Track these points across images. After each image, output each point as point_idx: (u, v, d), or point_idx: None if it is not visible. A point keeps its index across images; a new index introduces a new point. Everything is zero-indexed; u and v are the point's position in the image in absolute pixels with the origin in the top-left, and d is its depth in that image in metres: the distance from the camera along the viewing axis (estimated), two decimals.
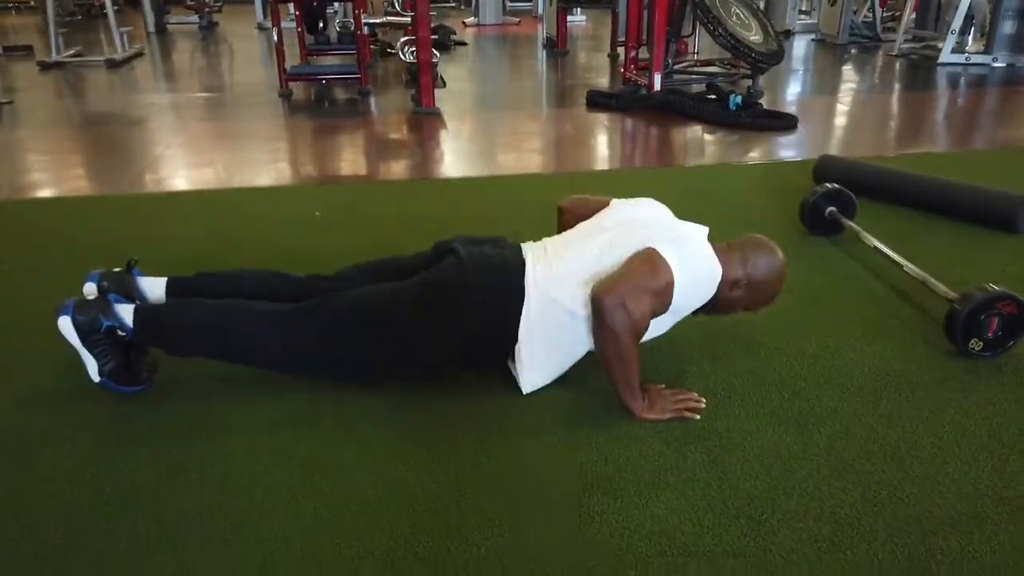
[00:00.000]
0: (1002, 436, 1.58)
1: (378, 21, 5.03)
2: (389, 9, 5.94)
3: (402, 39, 4.96)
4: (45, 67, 6.09)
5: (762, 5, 6.69)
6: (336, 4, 6.37)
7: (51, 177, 3.45)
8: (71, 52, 6.54)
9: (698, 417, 1.63)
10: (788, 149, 3.79)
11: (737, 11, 4.88)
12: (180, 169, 3.61)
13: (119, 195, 3.17)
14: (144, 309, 1.67)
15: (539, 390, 1.72)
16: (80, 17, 8.88)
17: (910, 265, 2.16)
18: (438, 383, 1.78)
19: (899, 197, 2.86)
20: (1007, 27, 5.81)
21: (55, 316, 1.62)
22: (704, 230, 1.72)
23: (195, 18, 8.78)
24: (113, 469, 1.50)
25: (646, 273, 1.55)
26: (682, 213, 1.82)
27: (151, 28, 8.26)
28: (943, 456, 1.52)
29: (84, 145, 3.98)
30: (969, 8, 5.80)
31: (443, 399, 1.73)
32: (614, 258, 1.60)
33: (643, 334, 1.57)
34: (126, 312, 1.65)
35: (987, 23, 5.99)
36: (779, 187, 3.08)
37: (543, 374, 1.70)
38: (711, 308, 1.72)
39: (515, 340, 1.64)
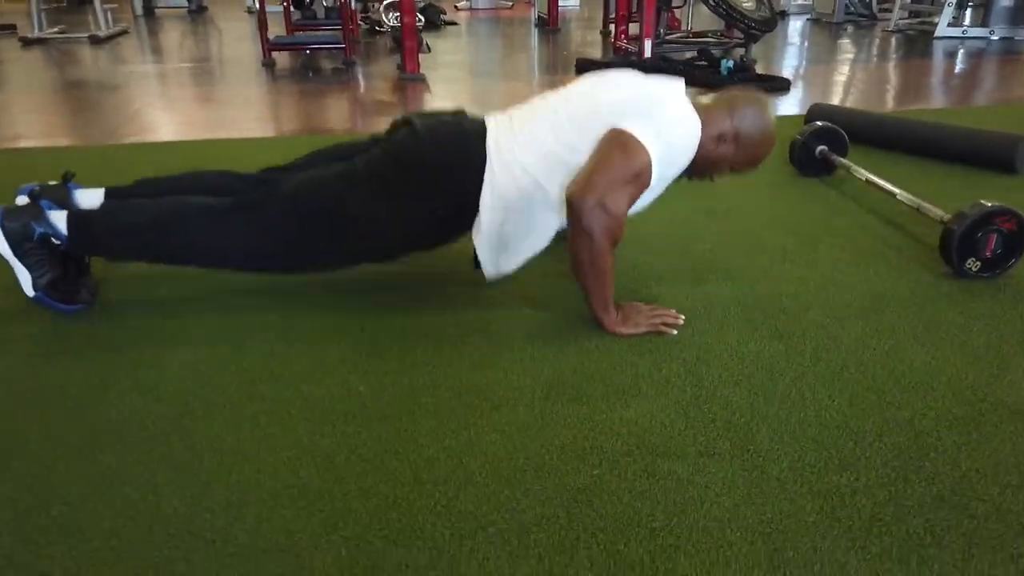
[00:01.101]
0: (1001, 347, 1.47)
1: None
2: None
3: (385, 2, 4.85)
4: (27, 43, 5.99)
5: None
6: None
7: (23, 132, 3.34)
8: (55, 29, 6.44)
9: (675, 332, 1.52)
10: (782, 107, 3.69)
11: None
12: (156, 125, 3.50)
13: (91, 146, 3.06)
14: (78, 213, 1.55)
15: (507, 309, 1.61)
16: (66, 3, 8.78)
17: (903, 192, 2.05)
18: (397, 298, 1.67)
19: (893, 142, 2.75)
20: (1004, 0, 5.72)
21: None
22: (678, 83, 1.56)
23: (184, 2, 8.69)
24: (40, 379, 1.39)
25: (619, 159, 1.42)
26: None
27: (139, 12, 8.17)
28: (938, 365, 1.41)
29: (60, 105, 3.87)
30: None
31: (403, 315, 1.62)
32: (579, 128, 1.48)
33: (621, 236, 1.45)
34: (59, 218, 1.53)
35: None
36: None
37: (507, 255, 1.57)
38: (694, 169, 1.58)
39: (475, 210, 1.51)
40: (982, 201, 1.74)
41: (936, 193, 2.04)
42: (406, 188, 1.51)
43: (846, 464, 1.14)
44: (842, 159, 2.40)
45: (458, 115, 1.62)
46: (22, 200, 1.59)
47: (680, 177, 1.58)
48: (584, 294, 1.50)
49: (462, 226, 1.55)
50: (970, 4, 6.18)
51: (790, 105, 3.71)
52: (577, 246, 1.43)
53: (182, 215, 1.55)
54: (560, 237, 1.56)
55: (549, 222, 1.53)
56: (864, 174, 2.23)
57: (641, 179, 1.44)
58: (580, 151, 1.46)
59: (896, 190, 2.07)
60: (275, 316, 1.60)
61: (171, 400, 1.32)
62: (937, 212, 1.88)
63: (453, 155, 1.52)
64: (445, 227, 1.58)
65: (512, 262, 1.59)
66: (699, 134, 1.50)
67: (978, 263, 1.74)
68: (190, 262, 1.62)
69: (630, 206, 1.45)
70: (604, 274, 1.45)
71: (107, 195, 1.64)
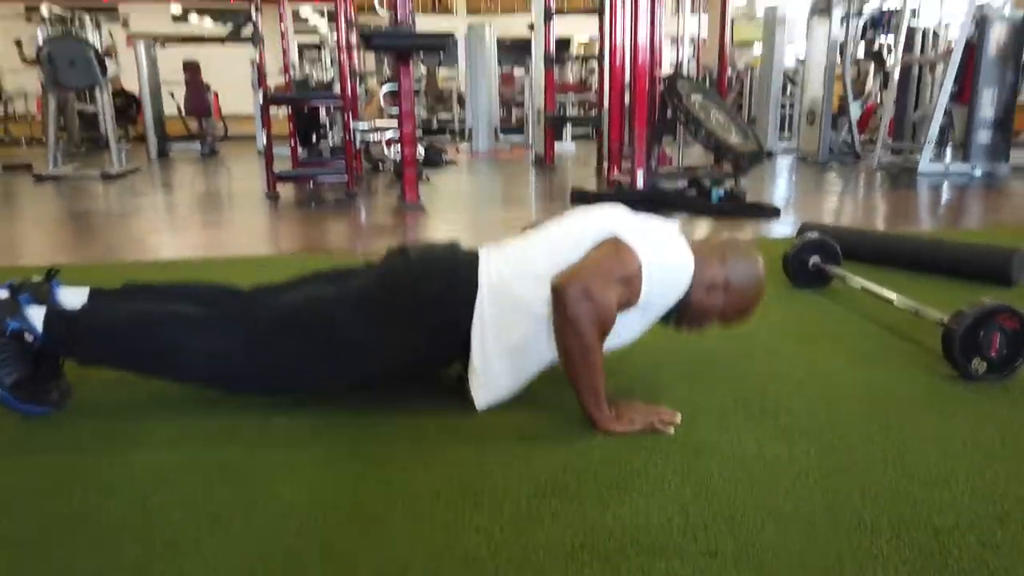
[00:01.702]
0: (1018, 445, 1.39)
1: (366, 127, 5.15)
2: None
3: (387, 137, 5.06)
4: (40, 179, 6.19)
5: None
6: (330, 115, 6.61)
7: (23, 252, 3.37)
8: (69, 167, 6.69)
9: (671, 431, 1.44)
10: (772, 230, 3.74)
11: (716, 115, 5.01)
12: (157, 247, 3.54)
13: (89, 264, 3.08)
14: (56, 311, 1.50)
15: (495, 408, 1.53)
16: (84, 149, 9.17)
17: (900, 298, 2.02)
18: (378, 400, 1.59)
19: (885, 257, 2.76)
20: (982, 137, 5.95)
21: None
22: (674, 223, 1.58)
23: (197, 145, 9.09)
24: None
25: (610, 259, 1.40)
26: None
27: (153, 155, 8.53)
28: (952, 463, 1.32)
29: (63, 230, 3.93)
30: (943, 120, 5.98)
31: (383, 413, 1.54)
32: (575, 251, 1.45)
33: (610, 327, 1.39)
34: (36, 315, 1.49)
35: (962, 134, 6.15)
36: (763, 256, 2.99)
37: (498, 385, 1.51)
38: (683, 315, 1.54)
39: (466, 340, 1.46)
40: (981, 299, 1.71)
41: (933, 302, 2.01)
42: (396, 315, 1.48)
43: (862, 563, 1.04)
44: (836, 268, 2.40)
45: (452, 245, 1.62)
46: (2, 294, 1.56)
47: (668, 321, 1.56)
48: (575, 389, 1.43)
49: (450, 357, 1.52)
50: (949, 143, 6.46)
51: (780, 228, 3.77)
52: (564, 337, 1.38)
53: (162, 321, 1.50)
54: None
55: (542, 353, 1.48)
56: (859, 282, 2.21)
57: (631, 285, 1.40)
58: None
59: (892, 295, 2.04)
60: (250, 418, 1.52)
61: (129, 499, 1.22)
62: (935, 314, 1.84)
63: (444, 284, 1.49)
64: (433, 356, 1.54)
65: (501, 390, 1.52)
66: (692, 268, 1.48)
67: (984, 363, 1.68)
68: (164, 372, 1.55)
69: (619, 304, 1.39)
70: (594, 366, 1.39)
71: (91, 296, 1.60)
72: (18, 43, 10.58)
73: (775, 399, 1.59)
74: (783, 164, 7.08)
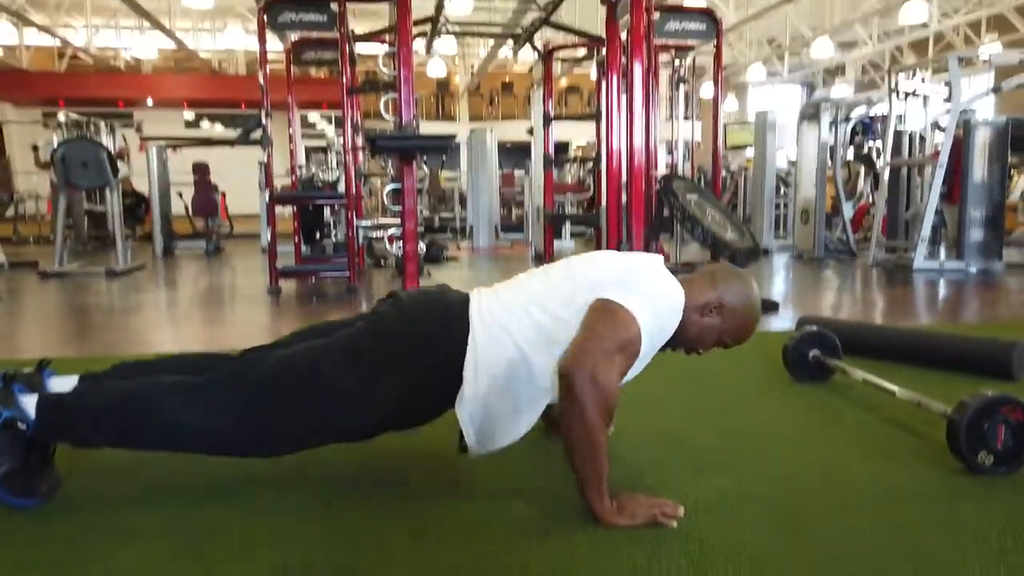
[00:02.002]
0: None
1: (368, 224, 5.26)
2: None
3: (389, 232, 5.15)
4: (45, 276, 6.26)
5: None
6: (334, 214, 6.75)
7: (20, 346, 3.37)
8: (74, 265, 6.77)
9: (675, 524, 1.40)
10: (772, 324, 3.75)
11: (711, 213, 5.12)
12: (157, 341, 3.54)
13: (86, 357, 3.07)
14: (48, 396, 1.50)
15: (488, 495, 1.50)
16: (91, 247, 9.32)
17: (902, 390, 2.01)
18: (371, 485, 1.57)
19: (884, 350, 2.75)
20: (974, 235, 6.06)
21: None
22: (657, 257, 1.59)
23: (202, 243, 9.24)
24: None
25: (608, 330, 1.40)
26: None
27: (159, 252, 8.66)
28: (964, 559, 1.28)
29: (63, 324, 3.95)
30: (934, 219, 6.11)
31: (377, 505, 1.50)
32: (571, 309, 1.46)
33: (614, 410, 1.39)
34: (29, 403, 1.47)
35: (954, 233, 6.27)
36: (763, 349, 2.98)
37: (492, 428, 1.48)
38: (681, 339, 1.55)
39: (459, 382, 1.44)
40: (983, 391, 1.70)
41: (935, 395, 1.99)
42: (388, 359, 1.47)
43: None
44: (836, 361, 2.39)
45: (441, 287, 1.64)
46: None
47: (666, 348, 1.56)
48: (577, 478, 1.40)
49: (444, 402, 1.49)
50: (942, 241, 6.57)
51: (780, 323, 3.78)
52: (569, 421, 1.36)
53: (152, 394, 1.49)
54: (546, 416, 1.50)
55: (536, 397, 1.48)
56: (860, 374, 2.20)
57: (631, 348, 1.42)
58: (564, 322, 1.46)
59: (895, 388, 2.03)
60: (236, 511, 1.49)
61: None
62: (939, 406, 1.83)
63: (435, 324, 1.50)
64: (426, 401, 1.51)
65: (498, 439, 1.50)
66: (682, 300, 1.51)
67: (991, 456, 1.65)
68: (159, 445, 1.53)
69: (622, 377, 1.41)
70: (598, 452, 1.37)
71: (81, 379, 1.59)
72: (35, 148, 10.94)
73: (780, 492, 1.56)
74: (779, 261, 7.17)
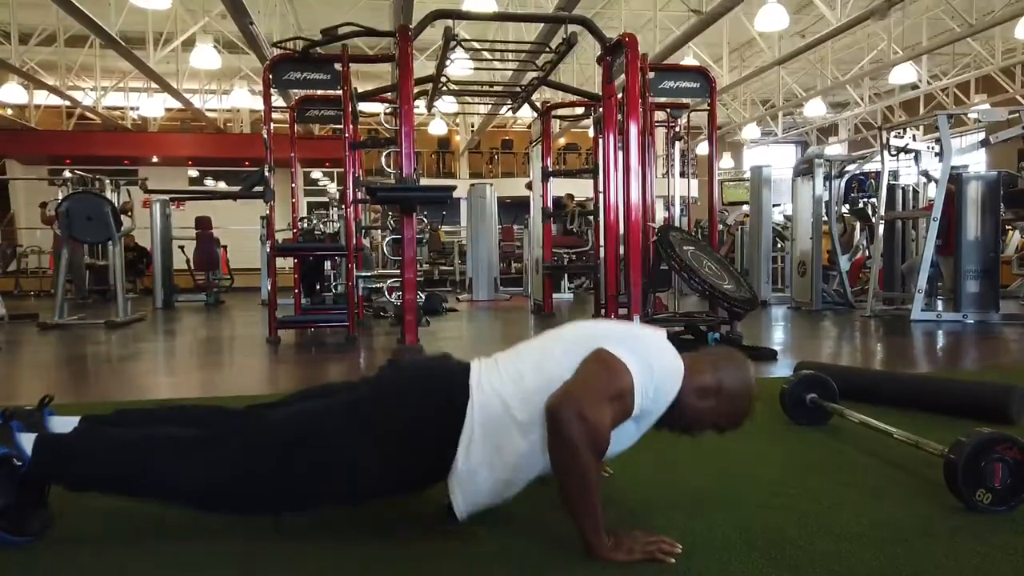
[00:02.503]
0: None
1: (368, 275, 5.30)
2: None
3: (388, 283, 5.18)
4: (45, 328, 6.27)
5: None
6: (335, 268, 6.79)
7: (16, 392, 3.36)
8: (74, 317, 6.79)
9: (672, 560, 1.39)
10: (770, 371, 3.75)
11: (708, 264, 5.16)
12: (153, 388, 3.54)
13: (83, 403, 3.06)
14: (47, 436, 1.50)
15: (482, 535, 1.49)
16: (91, 301, 9.36)
17: (900, 431, 2.00)
18: (364, 518, 1.55)
19: (882, 395, 2.75)
20: (971, 286, 6.10)
21: None
22: (661, 332, 1.60)
23: (202, 296, 9.29)
24: None
25: (601, 376, 1.41)
26: None
27: (159, 304, 8.70)
28: None
29: (60, 373, 3.94)
30: (930, 271, 6.15)
31: (371, 532, 1.50)
32: (564, 363, 1.47)
33: (605, 448, 1.39)
34: (27, 441, 1.47)
35: (950, 284, 6.31)
36: (761, 393, 2.98)
37: (479, 493, 1.47)
38: (676, 419, 1.54)
39: (454, 453, 1.44)
40: (978, 428, 1.70)
41: (933, 438, 1.99)
42: (388, 426, 1.48)
43: None
44: (833, 404, 2.39)
45: (444, 356, 1.65)
46: None
47: (660, 426, 1.56)
48: (571, 515, 1.39)
49: (439, 470, 1.48)
50: (940, 296, 6.60)
51: (778, 370, 3.78)
52: (560, 459, 1.36)
53: (150, 445, 1.49)
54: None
55: (528, 467, 1.47)
56: (858, 416, 2.20)
57: (623, 401, 1.41)
58: (560, 382, 1.45)
59: (892, 429, 2.03)
60: (228, 555, 1.47)
61: None
62: (936, 446, 1.82)
63: (435, 391, 1.51)
64: (422, 469, 1.51)
65: (485, 504, 1.49)
66: (682, 373, 1.51)
67: (989, 495, 1.64)
68: (152, 495, 1.52)
69: (611, 424, 1.40)
70: (590, 488, 1.36)
71: (81, 421, 1.60)
72: (43, 205, 11.08)
73: (778, 530, 1.55)
74: (777, 312, 7.19)
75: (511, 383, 1.49)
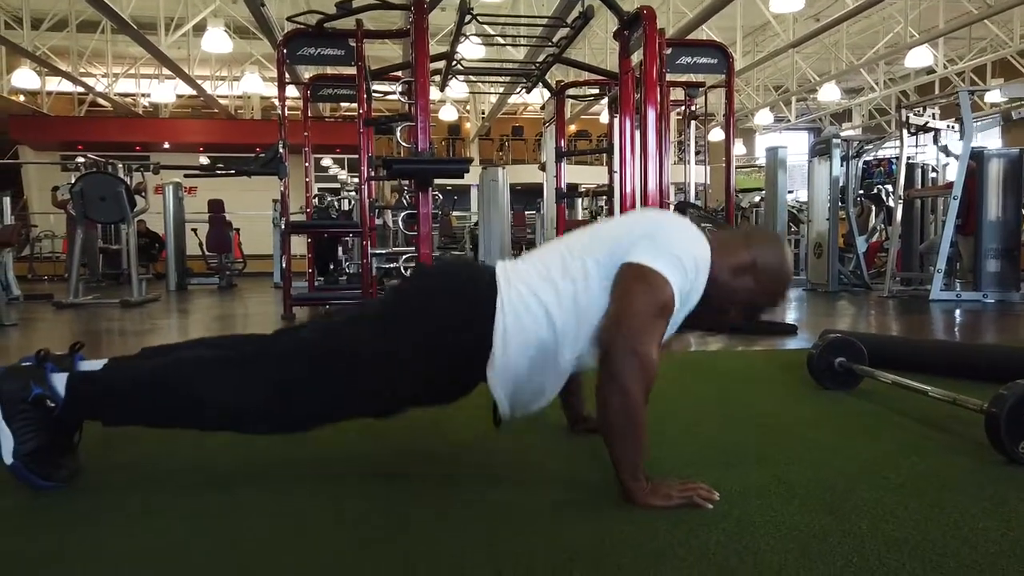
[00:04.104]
0: None
1: (383, 251, 5.28)
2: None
3: (403, 260, 5.16)
4: (60, 307, 6.28)
5: None
6: (348, 252, 6.77)
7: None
8: (89, 297, 6.81)
9: (711, 506, 1.36)
10: (791, 345, 3.71)
11: None
12: None
13: None
14: (78, 374, 1.48)
15: (517, 480, 1.47)
16: (105, 284, 9.38)
17: (935, 389, 1.96)
18: (398, 470, 1.55)
19: (914, 362, 2.69)
20: (991, 266, 6.03)
21: None
22: (676, 215, 1.57)
23: (215, 279, 9.29)
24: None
25: (643, 296, 1.37)
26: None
27: (172, 287, 8.71)
28: (1017, 536, 1.23)
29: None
30: (950, 251, 6.08)
31: (403, 487, 1.48)
32: (587, 260, 1.46)
33: (653, 383, 1.36)
34: (60, 381, 1.46)
35: (970, 264, 6.24)
36: (786, 361, 2.94)
37: (521, 385, 1.45)
38: (708, 304, 1.49)
39: (489, 347, 1.41)
40: (1020, 381, 1.66)
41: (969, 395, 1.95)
42: (418, 323, 1.45)
43: None
44: (863, 367, 2.35)
45: (467, 257, 1.63)
46: (28, 362, 1.52)
47: (690, 322, 1.52)
48: (613, 456, 1.37)
49: (473, 372, 1.45)
50: (958, 279, 6.51)
51: (799, 344, 3.73)
52: (609, 395, 1.33)
53: (181, 368, 1.48)
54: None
55: (561, 360, 1.45)
56: (890, 377, 2.16)
57: (667, 310, 1.39)
58: (590, 278, 1.44)
59: (927, 387, 1.99)
60: (260, 494, 1.46)
61: (135, 566, 1.15)
62: (975, 402, 1.78)
63: (463, 283, 1.50)
64: (456, 368, 1.47)
65: (529, 402, 1.48)
66: (709, 257, 1.48)
67: None
68: (185, 420, 1.50)
69: (660, 342, 1.38)
70: (637, 429, 1.34)
71: (110, 360, 1.58)
72: (55, 188, 11.12)
73: (816, 481, 1.51)
74: (793, 294, 7.13)
75: (539, 276, 1.47)
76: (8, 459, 1.41)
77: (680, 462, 1.65)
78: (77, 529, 1.29)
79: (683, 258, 1.43)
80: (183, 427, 1.52)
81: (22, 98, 15.28)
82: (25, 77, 13.18)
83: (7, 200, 9.28)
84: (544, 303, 1.44)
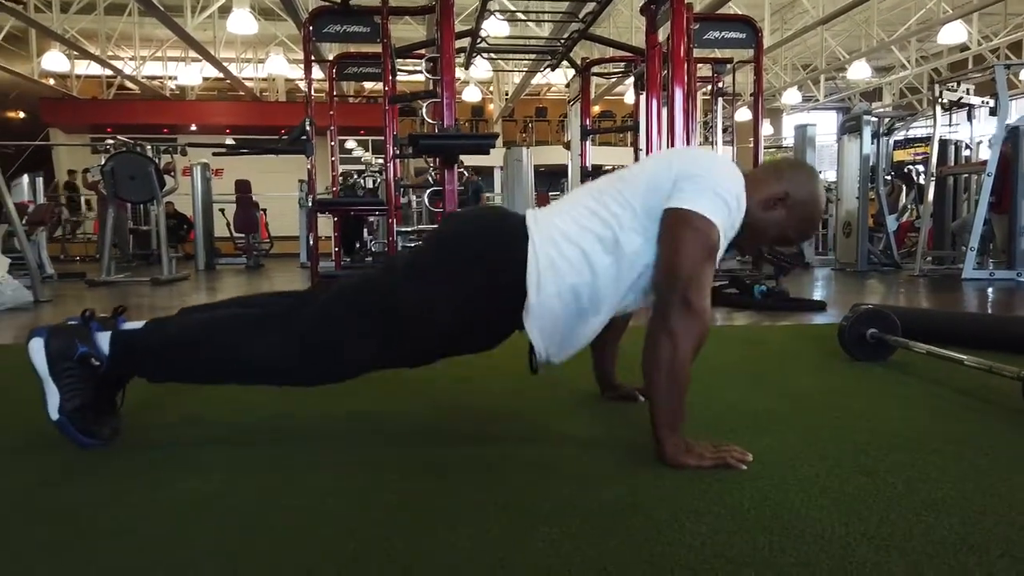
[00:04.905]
0: None
1: (409, 229, 5.30)
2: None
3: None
4: (93, 284, 6.40)
5: None
6: (373, 232, 6.81)
7: None
8: (121, 276, 6.92)
9: (744, 467, 1.36)
10: (819, 319, 3.68)
11: None
12: None
13: None
14: (122, 331, 1.51)
15: (549, 440, 1.49)
16: (135, 264, 9.52)
17: (971, 357, 1.94)
18: (435, 427, 1.57)
19: (949, 335, 2.65)
20: None
21: (27, 339, 1.47)
22: (709, 150, 1.57)
23: (243, 259, 9.40)
24: (48, 501, 1.26)
25: (691, 243, 1.36)
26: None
27: (200, 266, 8.83)
28: None
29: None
30: (983, 229, 5.97)
31: (440, 444, 1.51)
32: (618, 195, 1.46)
33: (705, 339, 1.37)
34: (104, 340, 1.49)
35: (1003, 242, 6.13)
36: (815, 335, 2.92)
37: (557, 327, 1.45)
38: (744, 237, 1.50)
39: (524, 293, 1.42)
40: None
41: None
42: (451, 268, 1.46)
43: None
44: (896, 338, 2.32)
45: (497, 205, 1.65)
46: (73, 321, 1.55)
47: (729, 250, 1.53)
48: (653, 409, 1.37)
49: (507, 318, 1.45)
50: (991, 258, 6.39)
51: (827, 318, 3.70)
52: (658, 347, 1.34)
53: (221, 322, 1.51)
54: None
55: (600, 299, 1.45)
56: (924, 347, 2.14)
57: (714, 252, 1.39)
58: (626, 220, 1.43)
59: (963, 356, 1.97)
60: (296, 448, 1.49)
61: (179, 512, 1.18)
62: (1011, 369, 1.77)
63: (495, 233, 1.50)
64: (490, 313, 1.47)
65: (566, 346, 1.48)
66: (742, 183, 1.47)
67: None
68: (225, 374, 1.53)
69: (710, 285, 1.38)
70: (680, 384, 1.34)
71: (150, 320, 1.61)
72: (85, 170, 11.28)
73: (849, 444, 1.50)
74: (820, 273, 7.05)
75: (570, 219, 1.47)
76: (54, 415, 1.45)
77: (710, 427, 1.64)
78: (122, 482, 1.32)
79: (725, 196, 1.41)
80: (222, 382, 1.56)
81: (52, 81, 15.47)
82: (55, 60, 13.36)
83: (39, 181, 9.44)
84: (581, 247, 1.44)
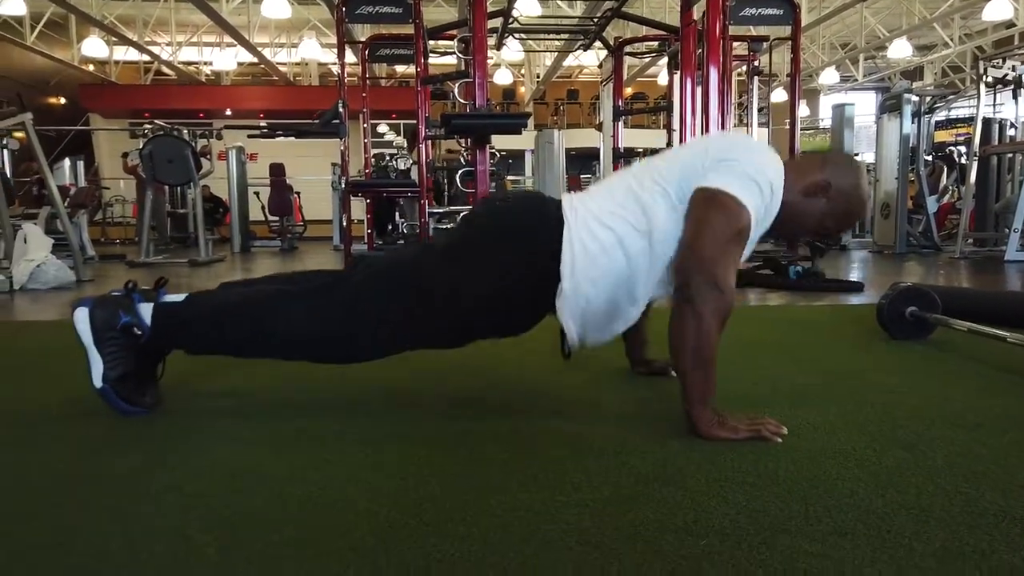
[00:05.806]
0: None
1: (441, 210, 5.32)
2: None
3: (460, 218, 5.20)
4: (132, 265, 6.54)
5: None
6: (403, 217, 6.84)
7: None
8: (159, 257, 7.06)
9: (780, 440, 1.34)
10: (856, 300, 3.62)
11: None
12: None
13: None
14: (164, 303, 1.54)
15: (581, 413, 1.49)
16: (173, 247, 9.70)
17: (1014, 335, 1.90)
18: (464, 403, 1.60)
19: (990, 313, 2.58)
20: None
21: (72, 310, 1.51)
22: (744, 134, 1.55)
23: (277, 242, 9.51)
24: (90, 467, 1.30)
25: (720, 223, 1.35)
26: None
27: (236, 249, 8.96)
28: None
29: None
30: None
31: (470, 419, 1.52)
32: (655, 186, 1.44)
33: (730, 314, 1.35)
34: (146, 311, 1.53)
35: None
36: (853, 315, 2.88)
37: (593, 322, 1.46)
38: (779, 223, 1.48)
39: (558, 278, 1.42)
40: None
41: None
42: (486, 250, 1.47)
43: (1015, 547, 0.92)
44: (936, 316, 2.28)
45: (532, 191, 1.65)
46: (117, 292, 1.59)
47: (766, 239, 1.51)
48: (682, 384, 1.36)
49: (542, 301, 1.46)
50: None
51: (865, 298, 3.64)
52: (683, 323, 1.33)
53: (261, 298, 1.54)
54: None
55: (634, 287, 1.45)
56: (965, 325, 2.09)
57: (743, 235, 1.38)
58: (662, 206, 1.42)
59: (1005, 333, 1.92)
60: (331, 422, 1.51)
61: (217, 479, 1.20)
62: None
63: (531, 217, 1.50)
64: (525, 296, 1.48)
65: (600, 332, 1.48)
66: (783, 177, 1.45)
67: None
68: (262, 348, 1.55)
69: (736, 268, 1.37)
70: (709, 360, 1.33)
71: (191, 293, 1.65)
72: (125, 155, 11.49)
73: (888, 419, 1.48)
74: (857, 255, 6.93)
75: (605, 203, 1.47)
76: (98, 383, 1.49)
77: (746, 401, 1.63)
78: (163, 450, 1.35)
79: (759, 180, 1.40)
80: (260, 356, 1.59)
81: (91, 67, 15.74)
82: (94, 46, 13.59)
83: (80, 164, 9.63)
84: (616, 232, 1.43)
